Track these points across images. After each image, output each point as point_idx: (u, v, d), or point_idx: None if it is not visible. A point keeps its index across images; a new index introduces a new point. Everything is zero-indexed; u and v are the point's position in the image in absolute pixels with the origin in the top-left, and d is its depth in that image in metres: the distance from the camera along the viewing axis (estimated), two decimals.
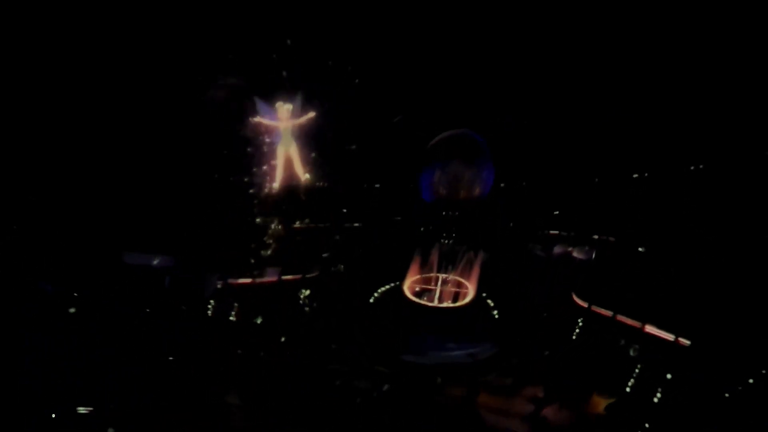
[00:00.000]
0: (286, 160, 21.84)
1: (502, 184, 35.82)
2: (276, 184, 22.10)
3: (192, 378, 13.72)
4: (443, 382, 14.73)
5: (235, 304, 16.26)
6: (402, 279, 23.33)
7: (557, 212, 33.82)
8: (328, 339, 17.07)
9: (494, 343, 18.18)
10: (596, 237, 28.52)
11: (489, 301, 22.30)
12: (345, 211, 34.38)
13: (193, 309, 16.16)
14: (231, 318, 16.15)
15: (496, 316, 21.04)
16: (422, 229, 32.91)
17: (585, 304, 17.27)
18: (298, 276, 18.31)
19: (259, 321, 16.52)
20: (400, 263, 24.36)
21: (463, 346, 17.64)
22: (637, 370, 14.21)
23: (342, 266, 26.00)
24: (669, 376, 13.53)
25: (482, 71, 30.85)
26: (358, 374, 15.25)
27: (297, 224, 26.54)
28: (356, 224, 32.67)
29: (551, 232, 31.09)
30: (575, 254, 27.49)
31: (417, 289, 22.65)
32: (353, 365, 15.87)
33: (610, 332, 15.50)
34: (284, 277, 17.62)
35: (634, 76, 27.62)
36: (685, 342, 12.44)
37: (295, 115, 21.30)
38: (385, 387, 13.75)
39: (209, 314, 15.97)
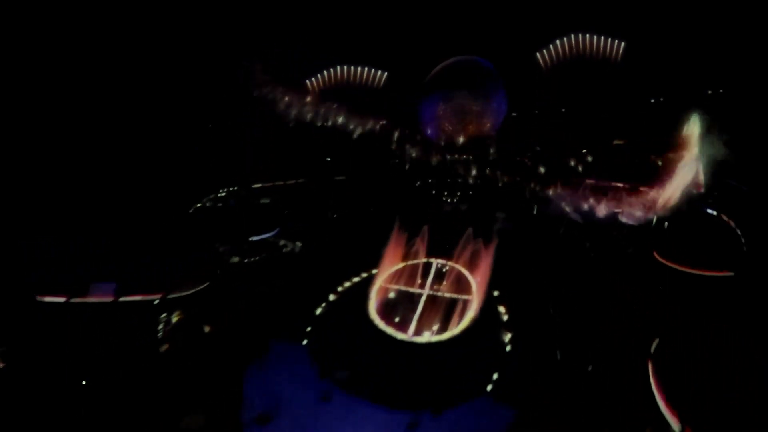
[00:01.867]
0: None
1: (514, 114, 26.57)
2: None
3: None
4: None
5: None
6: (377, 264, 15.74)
7: (585, 150, 24.03)
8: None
9: None
10: (643, 188, 19.23)
11: (501, 308, 14.80)
12: (329, 160, 26.03)
13: None
14: None
15: (508, 347, 13.76)
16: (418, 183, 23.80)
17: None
18: (159, 294, 10.65)
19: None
20: (378, 238, 16.42)
21: None
22: None
23: (299, 244, 18.74)
24: None
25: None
26: None
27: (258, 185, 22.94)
28: (339, 177, 24.40)
29: (587, 180, 21.36)
30: (624, 219, 18.59)
31: (391, 294, 15.09)
32: None
33: None
34: (126, 298, 10.01)
35: None
36: None
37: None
38: None
39: None
